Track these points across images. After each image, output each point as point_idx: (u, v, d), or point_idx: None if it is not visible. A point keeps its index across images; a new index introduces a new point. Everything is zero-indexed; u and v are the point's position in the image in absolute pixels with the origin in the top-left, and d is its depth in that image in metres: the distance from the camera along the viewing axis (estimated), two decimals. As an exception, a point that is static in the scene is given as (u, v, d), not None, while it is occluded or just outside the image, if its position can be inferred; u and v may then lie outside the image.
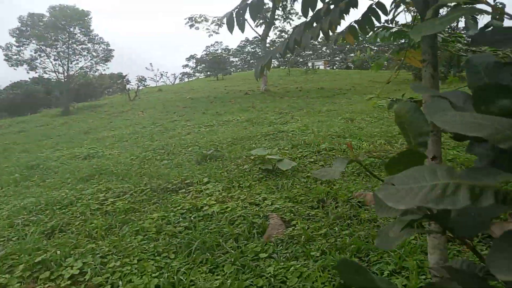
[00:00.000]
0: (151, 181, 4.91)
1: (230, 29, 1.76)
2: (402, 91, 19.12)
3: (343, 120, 9.89)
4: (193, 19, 23.56)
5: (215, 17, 23.67)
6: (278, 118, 11.63)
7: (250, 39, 65.62)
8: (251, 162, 5.56)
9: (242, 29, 1.80)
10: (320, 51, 58.24)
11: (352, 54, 55.36)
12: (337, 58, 61.55)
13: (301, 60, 60.55)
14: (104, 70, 28.78)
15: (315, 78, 34.21)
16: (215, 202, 4.01)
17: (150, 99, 23.65)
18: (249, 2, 1.67)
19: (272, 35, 25.06)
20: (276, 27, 25.58)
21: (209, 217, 3.65)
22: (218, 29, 24.59)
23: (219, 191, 4.49)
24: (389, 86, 22.40)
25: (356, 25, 1.90)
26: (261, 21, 24.31)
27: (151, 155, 6.97)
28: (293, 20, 25.75)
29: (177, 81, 55.25)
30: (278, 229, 3.32)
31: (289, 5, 24.66)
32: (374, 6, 1.83)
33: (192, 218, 3.63)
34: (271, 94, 20.55)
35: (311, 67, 41.47)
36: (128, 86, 28.94)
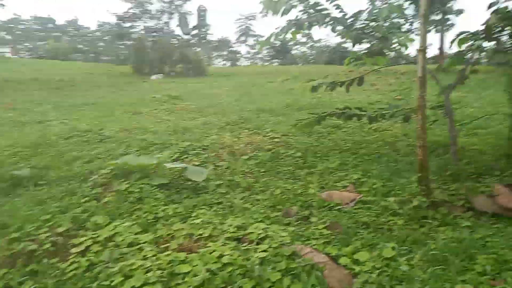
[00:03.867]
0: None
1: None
2: (132, 83, 18.55)
3: (129, 114, 8.37)
4: None
5: None
6: (34, 115, 8.36)
7: None
8: (121, 177, 3.70)
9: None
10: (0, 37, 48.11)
11: (43, 42, 49.90)
12: (21, 46, 53.14)
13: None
14: None
15: (8, 67, 27.94)
16: (179, 251, 2.33)
17: None
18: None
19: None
20: None
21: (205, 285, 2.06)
22: None
23: (138, 232, 2.68)
24: (115, 78, 21.05)
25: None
26: None
27: None
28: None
29: None
30: (343, 276, 2.22)
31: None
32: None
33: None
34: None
35: (-4, 54, 33.89)
36: None
